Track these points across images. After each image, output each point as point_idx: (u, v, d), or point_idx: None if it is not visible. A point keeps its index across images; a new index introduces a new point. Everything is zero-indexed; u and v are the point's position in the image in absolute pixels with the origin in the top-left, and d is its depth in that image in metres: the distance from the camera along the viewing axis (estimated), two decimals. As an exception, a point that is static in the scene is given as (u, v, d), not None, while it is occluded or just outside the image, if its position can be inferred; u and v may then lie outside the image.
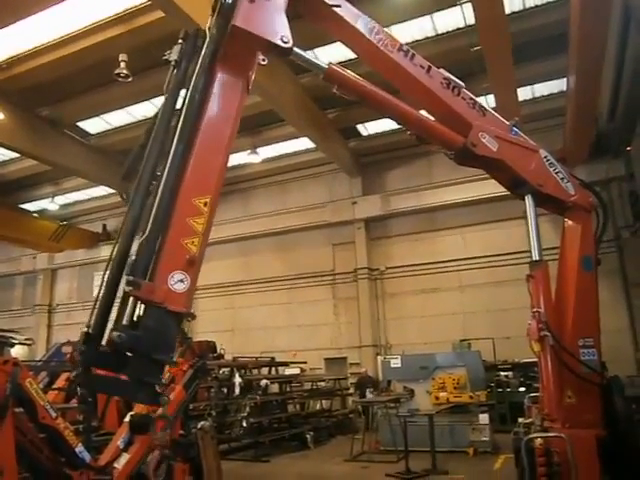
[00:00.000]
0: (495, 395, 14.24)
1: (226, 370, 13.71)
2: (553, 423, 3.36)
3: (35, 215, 22.91)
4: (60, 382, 9.49)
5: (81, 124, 17.12)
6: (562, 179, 3.83)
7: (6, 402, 6.18)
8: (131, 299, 2.54)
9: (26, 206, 23.21)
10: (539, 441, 3.24)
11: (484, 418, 11.60)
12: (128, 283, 2.49)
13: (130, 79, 12.16)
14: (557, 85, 14.98)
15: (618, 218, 14.78)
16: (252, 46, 2.97)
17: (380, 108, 3.80)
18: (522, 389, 14.26)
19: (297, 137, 17.24)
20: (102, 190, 21.92)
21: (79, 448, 6.64)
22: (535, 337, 3.46)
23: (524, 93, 14.98)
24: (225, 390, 13.24)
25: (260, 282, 19.82)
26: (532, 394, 4.95)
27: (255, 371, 15.23)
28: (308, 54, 3.40)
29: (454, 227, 17.39)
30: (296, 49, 3.13)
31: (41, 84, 13.86)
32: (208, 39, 2.97)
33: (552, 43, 12.50)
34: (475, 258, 16.85)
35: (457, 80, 3.72)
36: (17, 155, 17.82)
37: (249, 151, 17.57)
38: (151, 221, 2.65)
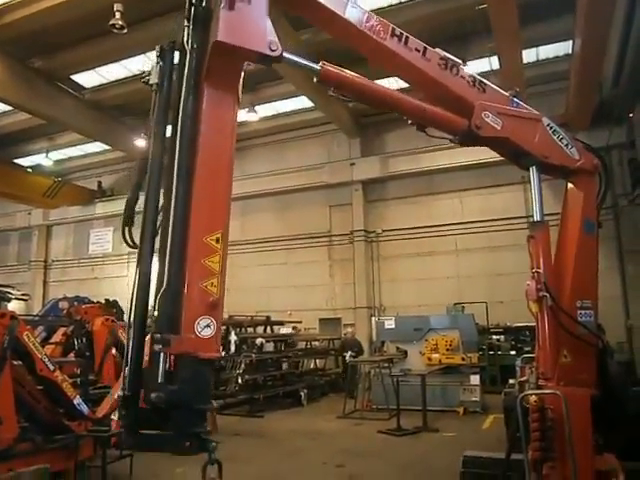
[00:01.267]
0: (486, 357, 14.53)
1: (222, 328, 13.85)
2: (548, 381, 3.40)
3: (29, 170, 22.64)
4: (57, 337, 9.59)
5: (75, 77, 16.70)
6: (566, 145, 3.76)
7: (4, 354, 6.23)
8: (162, 355, 2.47)
9: (20, 161, 22.87)
10: (533, 398, 3.28)
11: (475, 379, 11.86)
12: (156, 342, 2.45)
13: (125, 31, 11.80)
14: (563, 48, 14.65)
15: (616, 186, 14.73)
16: (239, 59, 2.78)
17: (382, 104, 3.66)
18: (513, 352, 14.56)
19: (296, 95, 16.93)
20: (97, 146, 21.63)
21: (77, 400, 6.75)
22: (533, 297, 3.46)
23: (529, 55, 14.66)
24: (221, 348, 13.40)
25: (256, 242, 19.84)
26: (525, 355, 5.01)
27: (250, 329, 15.40)
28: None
29: (452, 191, 17.34)
30: (289, 55, 2.92)
31: (34, 33, 13.41)
32: (189, 55, 2.74)
33: (559, 3, 12.16)
34: (472, 222, 16.86)
35: (454, 58, 3.57)
36: (10, 108, 17.42)
37: (247, 109, 17.27)
38: (166, 271, 2.56)
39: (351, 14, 3.16)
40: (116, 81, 16.66)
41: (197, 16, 2.76)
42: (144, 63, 14.97)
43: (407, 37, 3.37)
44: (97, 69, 16.14)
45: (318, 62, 3.24)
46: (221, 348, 2.65)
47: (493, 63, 14.81)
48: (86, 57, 15.08)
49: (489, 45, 13.12)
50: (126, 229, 2.94)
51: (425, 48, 3.44)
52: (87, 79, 16.90)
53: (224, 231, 2.65)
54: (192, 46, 2.74)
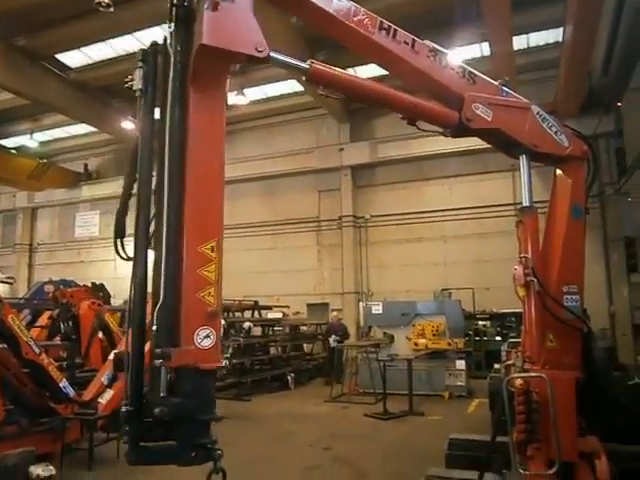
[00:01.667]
0: (472, 343, 14.71)
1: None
2: (533, 365, 3.45)
3: (13, 152, 22.24)
4: (43, 320, 9.53)
5: (60, 57, 16.34)
6: (556, 132, 3.77)
7: (-11, 336, 6.17)
8: (162, 369, 2.45)
9: (3, 142, 22.43)
10: (519, 381, 3.32)
11: (460, 364, 12.01)
12: (157, 356, 2.43)
13: (112, 9, 11.60)
14: (553, 35, 14.65)
15: (603, 175, 14.86)
16: (225, 61, 2.69)
17: (372, 101, 3.63)
18: (498, 338, 14.76)
19: (286, 79, 16.78)
20: (83, 128, 21.29)
21: (63, 383, 6.73)
22: (521, 282, 3.50)
23: (519, 42, 14.65)
24: (208, 332, 13.41)
25: (244, 227, 19.75)
26: (512, 340, 5.07)
27: (238, 314, 15.40)
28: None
29: (441, 177, 17.38)
30: (276, 55, 2.85)
31: (18, 11, 13.09)
32: (173, 58, 2.64)
33: (551, -11, 12.15)
34: (460, 209, 16.93)
35: (441, 49, 3.54)
36: (-7, 87, 17.06)
37: (236, 92, 17.09)
38: (162, 284, 2.52)
39: (337, 9, 3.07)
40: (102, 61, 16.35)
41: (179, 17, 2.65)
42: (130, 44, 14.72)
43: (395, 30, 3.30)
44: (83, 49, 15.80)
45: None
46: (223, 358, 2.64)
47: (484, 49, 14.79)
48: (71, 36, 14.74)
49: (480, 31, 13.08)
50: (118, 241, 2.90)
51: (414, 40, 3.38)
52: (72, 59, 16.54)
53: (219, 239, 2.62)
54: (176, 49, 2.65)
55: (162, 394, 2.43)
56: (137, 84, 2.76)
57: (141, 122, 2.77)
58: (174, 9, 2.66)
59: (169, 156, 2.61)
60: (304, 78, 3.19)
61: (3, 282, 18.37)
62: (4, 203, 24.86)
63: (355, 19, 3.13)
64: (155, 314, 2.51)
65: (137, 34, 14.23)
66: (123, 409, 2.53)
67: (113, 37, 14.77)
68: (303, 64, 3.12)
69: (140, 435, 2.51)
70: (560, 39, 13.42)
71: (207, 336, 2.49)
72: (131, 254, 2.74)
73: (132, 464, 2.51)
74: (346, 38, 3.28)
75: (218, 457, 2.55)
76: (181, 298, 2.51)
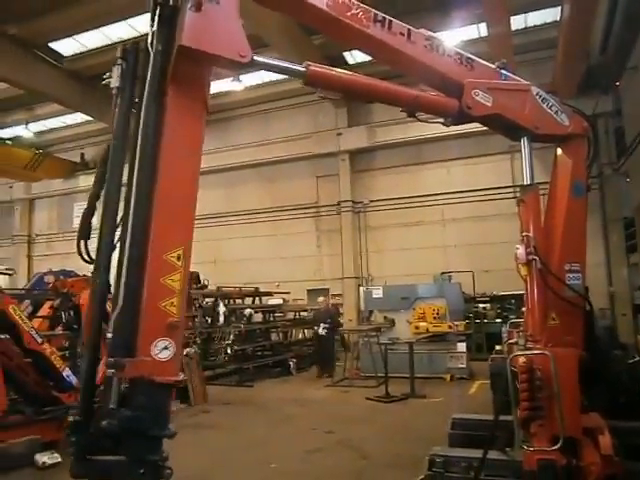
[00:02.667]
0: (473, 325, 14.76)
1: (210, 300, 13.86)
2: (536, 343, 3.46)
3: (8, 142, 22.06)
4: (44, 310, 9.53)
5: (53, 45, 16.20)
6: (556, 112, 3.75)
7: (-10, 326, 6.18)
8: (115, 379, 2.36)
9: (-1, 133, 22.35)
10: (522, 359, 3.34)
11: (462, 347, 12.05)
12: (110, 366, 2.32)
13: (104, -5, 11.43)
14: (551, 14, 14.50)
15: (602, 155, 14.81)
16: (205, 64, 2.63)
17: (372, 98, 3.60)
18: (498, 320, 14.82)
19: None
20: (79, 117, 21.14)
21: (66, 372, 6.75)
22: (523, 261, 3.49)
23: (517, 22, 14.50)
24: (209, 319, 13.44)
25: (243, 214, 19.74)
26: (513, 320, 5.08)
27: (239, 301, 15.44)
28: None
29: (440, 160, 17.32)
30: (262, 59, 2.79)
31: (7, -1, 12.96)
32: (152, 58, 2.54)
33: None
34: (459, 192, 16.91)
35: (437, 36, 3.49)
36: (-15, 77, 16.90)
37: (232, 78, 16.92)
38: (122, 291, 2.41)
39: (331, 5, 3.00)
40: (96, 49, 16.18)
41: (162, 15, 2.56)
42: (124, 30, 14.56)
43: (390, 21, 3.24)
44: (76, 36, 15.65)
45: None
46: (181, 373, 2.54)
47: (481, 30, 14.65)
48: (64, 24, 14.59)
49: (477, 12, 12.95)
50: (82, 242, 2.74)
51: (409, 30, 3.32)
52: (66, 47, 16.40)
53: (186, 248, 2.50)
54: (157, 48, 2.55)
55: (112, 406, 2.33)
56: (114, 81, 2.67)
57: (116, 121, 2.66)
58: (158, 7, 2.56)
59: (140, 158, 2.51)
60: (302, 82, 3.11)
61: (3, 273, 18.37)
62: (1, 195, 24.75)
63: (349, 14, 3.06)
64: (112, 321, 2.40)
65: (130, 20, 14.07)
66: (70, 419, 2.44)
67: (106, 24, 14.60)
68: (299, 67, 3.06)
69: (87, 448, 2.39)
70: (558, 18, 13.29)
71: (165, 348, 2.37)
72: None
73: (74, 477, 2.38)
74: (341, 33, 3.23)
75: (167, 477, 2.41)
76: (140, 306, 2.40)
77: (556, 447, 3.18)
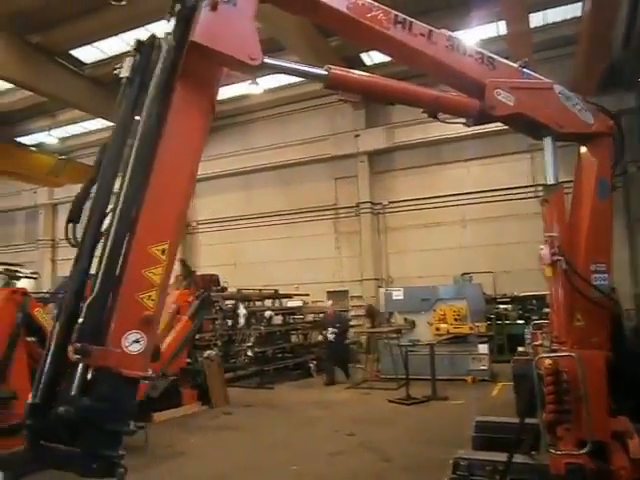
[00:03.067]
0: (494, 327, 14.57)
1: (230, 302, 13.95)
2: (562, 345, 3.40)
3: (32, 149, 22.50)
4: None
5: (74, 52, 16.46)
6: (580, 110, 3.68)
7: (17, 331, 6.31)
8: (80, 366, 2.26)
9: (23, 139, 22.75)
10: (548, 361, 3.28)
11: (483, 348, 11.94)
12: (76, 351, 2.21)
13: (124, 2, 11.58)
14: (571, 10, 14.28)
15: (626, 153, 14.49)
16: (215, 62, 2.63)
17: (393, 99, 3.54)
18: (520, 321, 14.62)
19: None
20: (100, 123, 21.45)
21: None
22: (547, 262, 3.44)
23: (536, 19, 14.32)
24: (229, 321, 13.53)
25: (262, 216, 19.81)
26: (536, 321, 5.00)
27: (259, 303, 15.50)
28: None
29: (459, 161, 17.17)
30: (276, 62, 2.84)
31: (31, 8, 13.20)
32: (165, 52, 2.53)
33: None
34: (478, 192, 16.74)
35: (457, 37, 3.46)
36: (11, 86, 17.25)
37: (249, 81, 17.02)
38: (100, 276, 2.35)
39: (351, 8, 3.00)
40: (116, 56, 16.40)
41: (180, 13, 2.57)
42: (143, 37, 14.71)
43: (411, 22, 3.22)
44: (96, 44, 15.88)
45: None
46: (149, 369, 2.43)
47: (500, 28, 14.50)
48: (85, 31, 14.83)
49: (495, 10, 12.81)
50: (69, 225, 2.63)
51: (430, 31, 3.30)
52: (87, 54, 16.66)
53: (172, 242, 2.46)
54: (170, 43, 2.55)
55: (73, 393, 2.24)
56: (124, 72, 2.62)
57: (120, 111, 2.62)
58: (176, 5, 2.58)
59: (137, 147, 2.49)
60: (323, 85, 3.10)
61: (28, 277, 18.66)
62: (26, 200, 25.23)
63: (369, 16, 3.06)
64: (85, 306, 2.33)
65: (149, 26, 14.22)
66: (29, 401, 2.34)
67: (126, 31, 14.78)
68: (320, 70, 3.06)
69: (42, 433, 2.27)
70: (579, 14, 13.10)
71: (136, 341, 2.30)
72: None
73: (27, 463, 2.34)
74: (362, 35, 3.23)
75: (120, 476, 2.27)
76: (117, 295, 2.34)
77: (584, 451, 3.13)
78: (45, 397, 2.32)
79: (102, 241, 2.47)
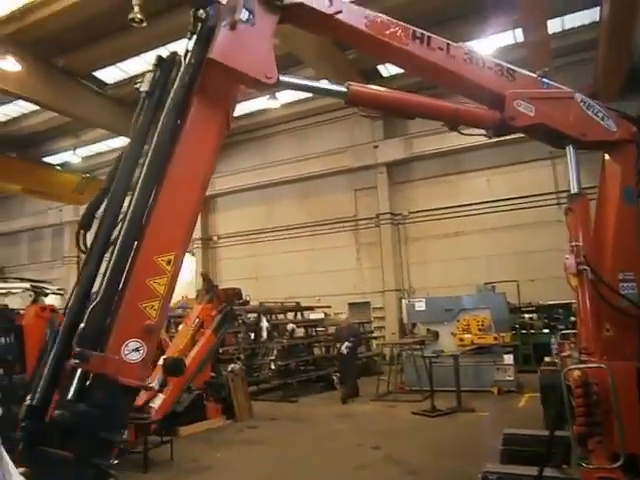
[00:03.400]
0: (519, 336, 14.34)
1: (253, 315, 14.00)
2: (590, 356, 3.34)
3: (58, 168, 23.05)
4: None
5: (97, 74, 16.92)
6: (602, 118, 3.65)
7: (46, 347, 6.40)
8: (79, 371, 2.27)
9: (49, 159, 23.34)
10: (577, 372, 3.23)
11: (508, 358, 11.75)
12: (75, 356, 2.23)
13: (145, 24, 11.82)
14: (590, 15, 14.17)
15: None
16: (231, 80, 2.69)
17: (413, 114, 3.57)
18: (546, 331, 14.37)
19: (316, 80, 16.77)
20: (122, 141, 21.85)
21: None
22: (573, 271, 3.39)
23: (554, 25, 14.22)
24: (252, 334, 13.57)
25: (282, 229, 19.92)
26: (563, 331, 4.92)
27: (281, 316, 15.52)
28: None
29: (479, 169, 17.05)
30: (293, 79, 2.93)
31: (55, 33, 13.61)
32: (184, 68, 2.60)
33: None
34: (500, 200, 16.57)
35: (476, 50, 3.48)
36: (37, 107, 17.77)
37: (268, 96, 17.23)
38: (105, 283, 2.37)
39: (370, 25, 3.05)
40: (137, 75, 16.73)
41: (202, 31, 2.64)
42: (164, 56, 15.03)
43: (429, 37, 3.26)
44: (118, 64, 16.28)
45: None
46: (149, 379, 2.45)
47: (517, 36, 14.45)
48: (107, 53, 15.22)
49: (513, 18, 12.78)
50: (81, 232, 2.66)
51: (448, 45, 3.32)
52: (109, 75, 17.09)
53: (178, 254, 2.47)
54: (189, 60, 2.62)
55: (70, 397, 2.24)
56: (144, 86, 2.67)
57: (137, 123, 2.67)
58: (198, 24, 2.65)
59: (150, 158, 2.53)
60: (344, 101, 3.14)
61: (55, 293, 19.02)
62: (52, 218, 25.79)
63: (388, 32, 3.10)
64: (87, 311, 2.35)
65: (169, 46, 14.52)
66: (27, 402, 2.33)
67: (146, 51, 15.12)
68: (341, 88, 3.11)
69: (38, 436, 2.27)
70: (597, 18, 12.98)
71: (136, 350, 2.30)
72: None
73: (21, 465, 2.22)
74: (380, 51, 3.27)
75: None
76: (120, 302, 2.35)
77: (617, 465, 3.06)
78: (43, 400, 2.32)
79: (111, 249, 2.51)
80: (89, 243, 2.62)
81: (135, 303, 2.35)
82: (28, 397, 2.34)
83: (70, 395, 2.25)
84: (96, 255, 2.51)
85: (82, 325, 2.32)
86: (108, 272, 2.40)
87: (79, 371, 2.27)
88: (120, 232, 2.47)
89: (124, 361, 2.28)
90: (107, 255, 2.54)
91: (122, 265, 2.41)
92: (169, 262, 2.43)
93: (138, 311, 2.34)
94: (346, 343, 12.34)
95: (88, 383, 2.27)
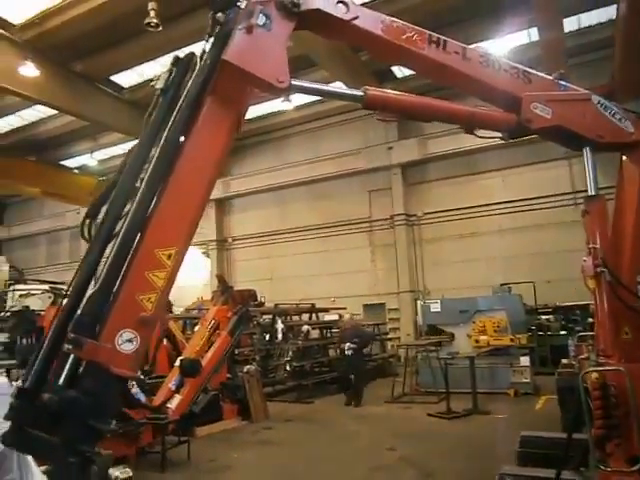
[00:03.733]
0: (536, 338, 14.21)
1: (268, 317, 14.06)
2: (608, 359, 3.32)
3: (75, 171, 23.42)
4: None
5: (114, 78, 17.13)
6: (620, 119, 3.63)
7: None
8: (71, 357, 2.28)
9: (66, 162, 23.71)
10: (595, 375, 3.21)
11: (525, 360, 11.66)
12: (69, 341, 2.26)
13: (160, 28, 11.95)
14: (606, 13, 14.01)
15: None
16: (244, 82, 2.73)
17: (430, 118, 3.57)
18: (563, 332, 14.23)
19: (330, 82, 16.80)
20: (138, 144, 22.15)
21: (134, 389, 6.98)
22: (590, 274, 3.37)
23: (570, 24, 14.10)
24: (267, 336, 13.63)
25: (297, 231, 19.97)
26: (580, 334, 4.89)
27: (296, 317, 15.57)
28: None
29: (494, 170, 16.94)
30: (306, 84, 2.94)
31: (73, 38, 13.81)
32: (199, 68, 2.64)
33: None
34: (515, 201, 16.44)
35: (491, 53, 3.48)
36: (55, 112, 18.05)
37: (282, 98, 17.29)
38: (105, 272, 2.39)
39: (386, 30, 3.07)
40: (153, 79, 16.91)
41: (219, 33, 2.68)
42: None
43: (445, 41, 3.27)
44: (135, 68, 16.48)
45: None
46: (138, 371, 2.50)
47: (532, 35, 14.35)
48: (123, 57, 15.43)
49: (528, 17, 12.70)
50: (87, 222, 2.66)
51: (464, 49, 3.33)
52: (126, 79, 17.31)
53: (180, 249, 2.50)
54: (205, 61, 2.66)
55: (60, 382, 2.27)
56: (160, 83, 2.71)
57: (150, 120, 2.69)
58: (217, 26, 2.69)
59: (159, 152, 2.56)
60: (361, 105, 3.15)
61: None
62: (70, 220, 26.09)
63: (404, 37, 3.11)
64: (85, 299, 2.38)
65: (185, 49, 14.64)
66: (18, 383, 2.36)
67: (162, 55, 15.27)
68: (357, 92, 3.12)
69: (26, 418, 2.26)
70: (614, 16, 12.83)
71: (130, 340, 2.32)
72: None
73: (7, 446, 2.31)
74: (396, 56, 3.31)
75: (94, 472, 2.26)
76: (118, 292, 2.38)
77: (636, 468, 3.03)
78: (35, 383, 2.33)
79: (114, 240, 2.53)
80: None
81: (132, 294, 2.38)
82: (21, 379, 2.37)
83: (61, 380, 2.27)
84: (99, 244, 2.52)
85: (79, 312, 2.36)
86: (109, 261, 2.43)
87: (72, 357, 2.28)
88: (124, 222, 2.50)
89: (117, 351, 2.29)
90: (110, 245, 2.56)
91: (123, 255, 2.44)
92: (169, 256, 2.45)
93: (135, 302, 2.36)
94: (348, 344, 11.94)
95: (80, 370, 2.29)
